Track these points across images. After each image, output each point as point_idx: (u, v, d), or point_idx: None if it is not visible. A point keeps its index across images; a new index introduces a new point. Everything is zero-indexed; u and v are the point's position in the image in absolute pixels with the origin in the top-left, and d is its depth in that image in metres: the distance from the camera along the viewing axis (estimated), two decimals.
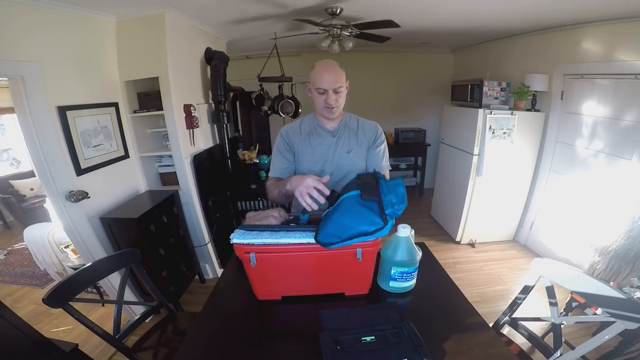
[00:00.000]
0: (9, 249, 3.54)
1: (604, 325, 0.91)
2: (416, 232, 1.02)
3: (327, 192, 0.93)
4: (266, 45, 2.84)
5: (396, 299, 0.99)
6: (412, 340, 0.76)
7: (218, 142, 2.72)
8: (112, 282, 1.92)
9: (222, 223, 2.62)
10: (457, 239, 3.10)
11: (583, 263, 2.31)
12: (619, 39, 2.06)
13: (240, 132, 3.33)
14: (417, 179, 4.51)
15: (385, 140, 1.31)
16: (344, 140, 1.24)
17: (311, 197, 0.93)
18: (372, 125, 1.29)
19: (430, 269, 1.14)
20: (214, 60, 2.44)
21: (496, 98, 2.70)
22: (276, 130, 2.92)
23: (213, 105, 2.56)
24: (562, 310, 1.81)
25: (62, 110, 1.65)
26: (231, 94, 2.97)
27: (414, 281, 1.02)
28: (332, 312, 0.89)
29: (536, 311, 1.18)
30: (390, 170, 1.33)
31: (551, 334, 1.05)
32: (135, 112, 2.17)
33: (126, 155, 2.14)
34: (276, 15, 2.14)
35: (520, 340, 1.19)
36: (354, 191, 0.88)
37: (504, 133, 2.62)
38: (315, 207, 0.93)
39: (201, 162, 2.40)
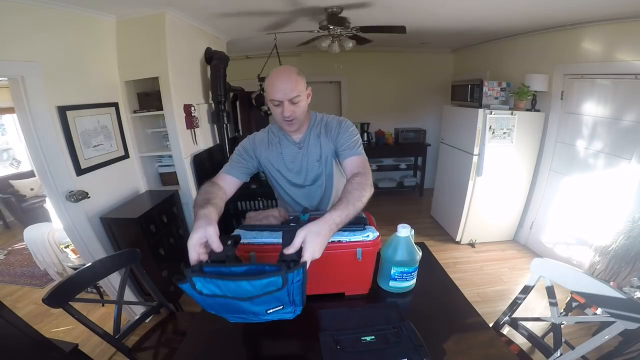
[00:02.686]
0: (9, 249, 3.54)
1: (604, 325, 0.91)
2: (416, 232, 1.02)
3: (219, 249, 0.70)
4: (266, 45, 2.84)
5: (396, 299, 0.99)
6: (412, 340, 0.76)
7: (218, 142, 2.71)
8: (112, 282, 1.92)
9: (222, 223, 2.61)
10: (457, 239, 3.10)
11: (583, 263, 2.31)
12: (619, 39, 2.06)
13: (240, 132, 3.32)
14: (417, 179, 4.50)
15: (356, 130, 1.16)
16: (311, 149, 1.16)
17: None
18: (335, 120, 1.17)
19: (430, 269, 1.14)
20: (214, 60, 2.44)
21: (496, 98, 2.70)
22: None
23: (213, 105, 2.56)
24: (562, 310, 1.81)
25: (62, 110, 1.65)
26: (231, 94, 2.97)
27: (413, 281, 1.02)
28: (332, 312, 0.89)
29: (536, 311, 1.18)
30: (376, 167, 1.21)
31: (551, 334, 1.05)
32: (135, 112, 2.17)
33: (126, 155, 2.14)
34: (276, 13, 2.14)
35: (520, 340, 1.19)
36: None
37: (504, 133, 2.62)
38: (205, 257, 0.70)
39: (201, 162, 2.40)
